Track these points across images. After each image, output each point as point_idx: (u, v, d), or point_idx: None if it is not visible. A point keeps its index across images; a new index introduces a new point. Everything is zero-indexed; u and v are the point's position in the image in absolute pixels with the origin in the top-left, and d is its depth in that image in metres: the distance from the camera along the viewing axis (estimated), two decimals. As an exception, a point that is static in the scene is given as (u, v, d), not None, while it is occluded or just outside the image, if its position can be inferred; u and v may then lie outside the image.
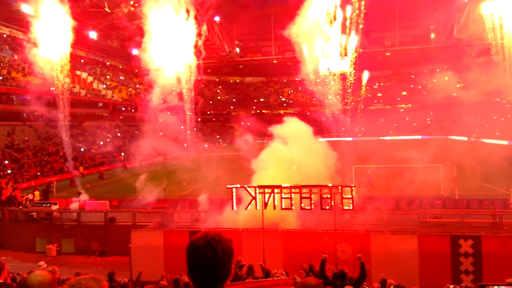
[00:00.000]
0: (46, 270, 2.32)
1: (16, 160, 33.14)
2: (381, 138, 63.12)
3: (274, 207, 13.68)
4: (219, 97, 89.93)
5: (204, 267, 1.75)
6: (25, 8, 43.25)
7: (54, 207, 20.38)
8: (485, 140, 52.89)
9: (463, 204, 18.34)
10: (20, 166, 32.17)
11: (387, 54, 75.41)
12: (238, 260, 9.22)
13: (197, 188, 26.84)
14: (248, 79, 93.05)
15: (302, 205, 13.48)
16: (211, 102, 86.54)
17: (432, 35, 72.23)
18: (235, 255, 1.93)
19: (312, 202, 13.40)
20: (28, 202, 21.67)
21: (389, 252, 12.78)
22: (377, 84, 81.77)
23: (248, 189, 13.90)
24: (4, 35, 48.04)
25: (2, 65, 42.50)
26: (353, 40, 46.52)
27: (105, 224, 18.48)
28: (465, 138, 56.55)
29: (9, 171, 30.38)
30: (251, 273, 9.13)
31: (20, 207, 21.13)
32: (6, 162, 31.88)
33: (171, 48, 34.97)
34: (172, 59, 35.67)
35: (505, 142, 49.87)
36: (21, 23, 44.22)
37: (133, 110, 62.22)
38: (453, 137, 59.54)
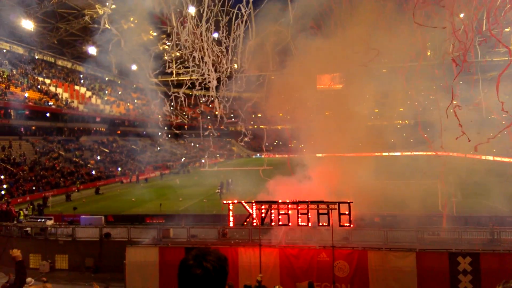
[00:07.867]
0: (39, 286, 2.27)
1: (12, 174, 32.90)
2: (378, 154, 63.16)
3: (271, 223, 13.57)
4: (216, 113, 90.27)
5: None
6: (25, 24, 43.80)
7: (49, 222, 20.15)
8: (484, 157, 52.95)
9: (461, 221, 18.21)
10: (16, 181, 31.93)
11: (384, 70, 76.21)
12: (230, 284, 9.08)
13: (193, 204, 26.70)
14: (246, 94, 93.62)
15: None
16: (208, 117, 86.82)
17: (428, 53, 73.25)
18: (230, 273, 1.84)
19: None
20: (25, 216, 21.43)
21: (387, 270, 12.64)
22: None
23: (245, 204, 13.82)
24: (4, 50, 48.40)
25: (1, 79, 42.67)
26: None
27: (100, 239, 18.23)
28: (462, 155, 56.58)
29: (4, 186, 30.11)
30: None
31: (14, 222, 20.86)
32: (2, 176, 31.62)
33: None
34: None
35: (506, 159, 50.01)
36: (21, 38, 44.70)
37: (130, 125, 62.37)
38: (451, 153, 59.59)
